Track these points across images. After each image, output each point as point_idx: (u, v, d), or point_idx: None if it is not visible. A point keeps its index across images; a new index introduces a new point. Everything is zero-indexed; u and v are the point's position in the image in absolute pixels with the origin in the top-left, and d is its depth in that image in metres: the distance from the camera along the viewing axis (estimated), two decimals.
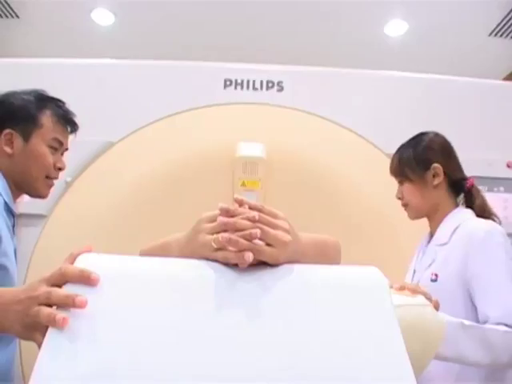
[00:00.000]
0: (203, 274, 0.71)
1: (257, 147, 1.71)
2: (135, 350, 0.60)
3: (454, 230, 1.30)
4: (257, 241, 0.71)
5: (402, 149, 1.41)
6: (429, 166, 1.35)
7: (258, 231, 0.70)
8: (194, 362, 0.60)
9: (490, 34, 3.60)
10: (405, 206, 1.41)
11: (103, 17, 3.47)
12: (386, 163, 1.72)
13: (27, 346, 1.51)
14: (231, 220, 0.72)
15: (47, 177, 1.32)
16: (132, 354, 0.59)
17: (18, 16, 3.54)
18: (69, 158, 1.71)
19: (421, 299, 0.93)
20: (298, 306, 0.68)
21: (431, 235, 1.39)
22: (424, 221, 1.48)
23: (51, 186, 1.35)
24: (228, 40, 3.30)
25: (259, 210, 0.74)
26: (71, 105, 1.75)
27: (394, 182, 1.72)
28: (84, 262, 0.70)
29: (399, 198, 1.41)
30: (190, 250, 0.76)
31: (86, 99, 1.82)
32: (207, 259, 0.73)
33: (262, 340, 0.63)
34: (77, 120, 1.39)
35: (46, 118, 1.30)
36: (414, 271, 1.38)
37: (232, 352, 0.61)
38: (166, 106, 1.83)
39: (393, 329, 0.67)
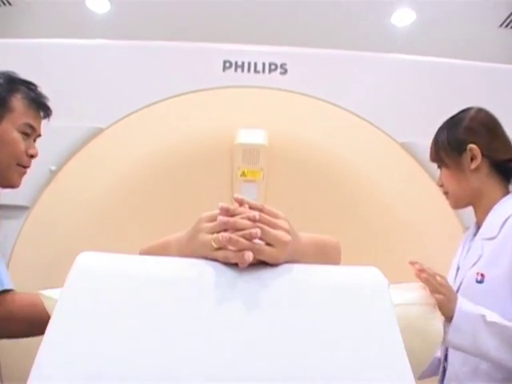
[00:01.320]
0: (203, 273, 0.71)
1: (258, 134, 1.59)
2: (134, 350, 0.60)
3: (504, 222, 1.14)
4: (257, 240, 0.71)
5: (439, 130, 1.28)
6: (464, 148, 1.20)
7: (258, 231, 0.70)
8: (194, 362, 0.59)
9: (501, 26, 3.47)
10: (445, 194, 1.28)
11: (99, 4, 3.33)
12: (399, 152, 1.59)
13: (7, 347, 1.38)
14: (231, 219, 0.73)
15: (19, 164, 1.24)
16: (131, 353, 0.59)
17: (10, 3, 3.40)
18: (54, 145, 1.62)
19: (420, 297, 0.92)
20: (297, 305, 0.68)
21: (478, 227, 1.24)
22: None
23: (23, 174, 1.27)
24: (228, 24, 3.15)
25: (259, 210, 0.74)
26: (57, 87, 1.65)
27: (406, 172, 1.61)
28: (84, 261, 0.71)
29: (440, 186, 1.29)
30: (190, 249, 0.76)
31: (74, 81, 1.70)
32: (207, 258, 0.74)
33: (261, 340, 0.63)
34: (50, 104, 1.31)
35: (17, 102, 1.22)
36: (458, 268, 1.23)
37: (231, 351, 0.61)
38: (160, 89, 1.70)
39: (392, 329, 0.67)
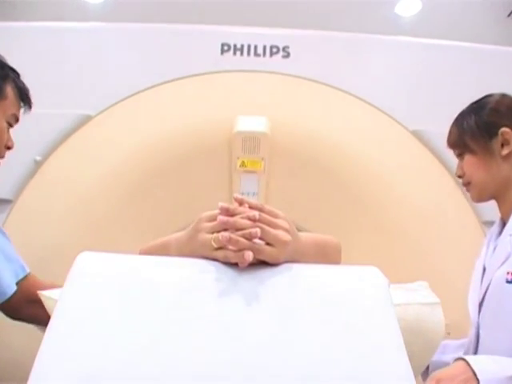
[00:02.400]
0: (203, 273, 0.71)
1: (259, 121, 1.49)
2: (134, 350, 0.60)
3: None
4: (257, 240, 0.72)
5: (462, 115, 1.17)
6: (496, 132, 1.09)
7: (258, 230, 0.71)
8: (194, 361, 0.60)
9: (509, 15, 3.34)
10: (466, 185, 1.16)
11: None
12: (410, 141, 1.55)
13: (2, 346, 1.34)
14: (231, 219, 0.73)
15: None
16: (131, 353, 0.59)
17: None
18: (39, 134, 1.54)
19: (420, 297, 0.91)
20: (297, 305, 0.68)
21: (503, 223, 1.14)
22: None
23: None
24: (226, 4, 3.02)
25: (259, 210, 0.75)
26: (42, 71, 1.55)
27: (417, 161, 1.53)
28: (83, 261, 0.72)
29: (459, 176, 1.18)
30: (190, 249, 0.77)
31: (59, 66, 1.60)
32: (207, 258, 0.75)
33: (261, 339, 0.63)
34: (35, 90, 1.24)
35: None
36: (484, 269, 1.13)
37: (231, 351, 0.61)
38: (153, 74, 1.60)
39: (392, 328, 0.67)
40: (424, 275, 1.34)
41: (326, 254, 0.85)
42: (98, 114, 1.57)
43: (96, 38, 1.65)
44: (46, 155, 1.54)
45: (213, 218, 0.75)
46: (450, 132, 1.19)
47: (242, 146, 1.47)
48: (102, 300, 0.66)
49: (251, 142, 1.47)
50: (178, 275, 0.71)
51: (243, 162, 1.49)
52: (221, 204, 0.75)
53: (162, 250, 0.82)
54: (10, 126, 1.17)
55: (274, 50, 1.61)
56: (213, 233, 0.74)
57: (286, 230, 0.75)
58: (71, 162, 1.54)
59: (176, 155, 1.52)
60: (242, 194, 1.52)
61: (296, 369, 0.60)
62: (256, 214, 0.73)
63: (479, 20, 3.32)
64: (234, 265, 0.73)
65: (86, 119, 1.56)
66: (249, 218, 0.73)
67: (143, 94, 1.57)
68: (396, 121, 1.55)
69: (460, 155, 1.17)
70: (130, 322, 0.63)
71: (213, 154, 1.51)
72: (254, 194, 1.53)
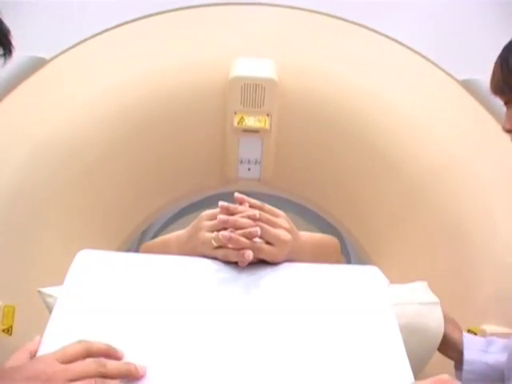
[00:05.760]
0: (202, 271, 0.76)
1: (263, 64, 1.23)
2: (135, 348, 0.61)
3: None
4: (257, 239, 0.77)
5: (510, 49, 0.93)
6: None
7: (257, 230, 0.75)
8: (192, 360, 0.61)
9: None
10: None
11: None
12: (459, 92, 1.28)
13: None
14: (231, 218, 0.77)
15: None
16: (132, 351, 0.60)
17: None
18: None
19: (419, 296, 0.91)
20: (296, 304, 0.71)
21: None
22: None
23: None
24: None
25: (260, 208, 0.80)
26: None
27: (467, 116, 1.29)
28: (83, 259, 0.76)
29: (507, 131, 0.95)
30: (190, 247, 0.82)
31: None
32: (207, 257, 0.79)
33: (260, 337, 0.65)
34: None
35: None
36: None
37: (230, 349, 0.63)
38: (125, 8, 1.30)
39: (391, 328, 0.69)
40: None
41: (326, 254, 0.89)
42: (54, 58, 1.29)
43: None
44: None
45: (213, 217, 0.79)
46: (494, 72, 0.95)
47: (240, 97, 1.21)
48: (102, 298, 0.68)
49: (253, 91, 1.21)
50: (177, 273, 0.75)
51: (242, 118, 1.23)
52: (221, 203, 0.79)
53: (163, 248, 0.87)
54: None
55: None
56: (213, 231, 0.77)
57: (286, 230, 0.79)
58: (20, 116, 1.26)
59: (153, 109, 1.24)
60: (241, 161, 1.29)
61: (293, 367, 0.61)
62: (256, 212, 0.77)
63: None
64: (233, 263, 0.77)
65: (39, 63, 1.28)
66: (249, 217, 0.76)
67: (114, 31, 1.28)
68: (441, 69, 1.28)
69: (507, 102, 0.93)
70: (130, 320, 0.66)
71: (202, 106, 1.24)
72: (256, 161, 1.28)
